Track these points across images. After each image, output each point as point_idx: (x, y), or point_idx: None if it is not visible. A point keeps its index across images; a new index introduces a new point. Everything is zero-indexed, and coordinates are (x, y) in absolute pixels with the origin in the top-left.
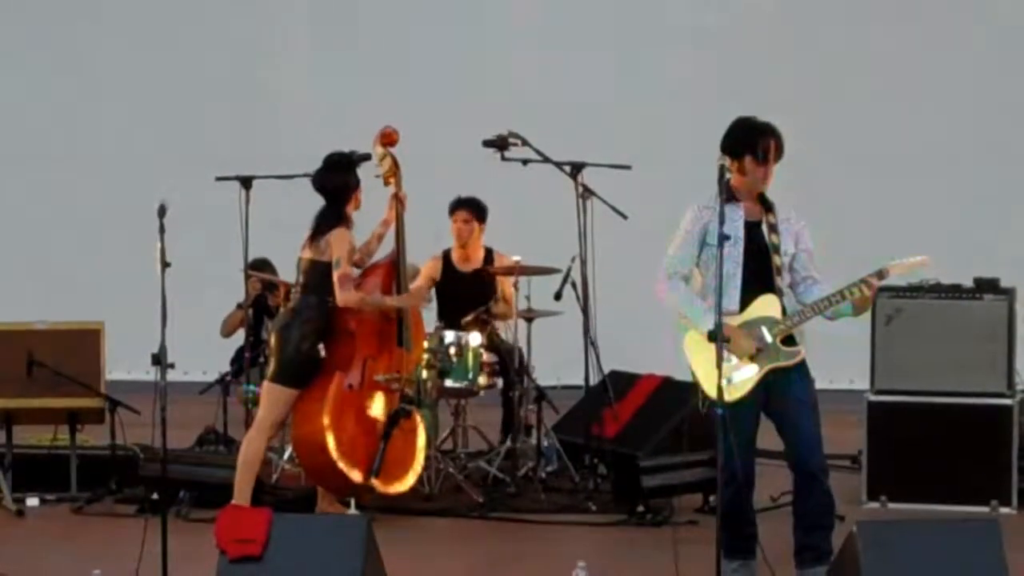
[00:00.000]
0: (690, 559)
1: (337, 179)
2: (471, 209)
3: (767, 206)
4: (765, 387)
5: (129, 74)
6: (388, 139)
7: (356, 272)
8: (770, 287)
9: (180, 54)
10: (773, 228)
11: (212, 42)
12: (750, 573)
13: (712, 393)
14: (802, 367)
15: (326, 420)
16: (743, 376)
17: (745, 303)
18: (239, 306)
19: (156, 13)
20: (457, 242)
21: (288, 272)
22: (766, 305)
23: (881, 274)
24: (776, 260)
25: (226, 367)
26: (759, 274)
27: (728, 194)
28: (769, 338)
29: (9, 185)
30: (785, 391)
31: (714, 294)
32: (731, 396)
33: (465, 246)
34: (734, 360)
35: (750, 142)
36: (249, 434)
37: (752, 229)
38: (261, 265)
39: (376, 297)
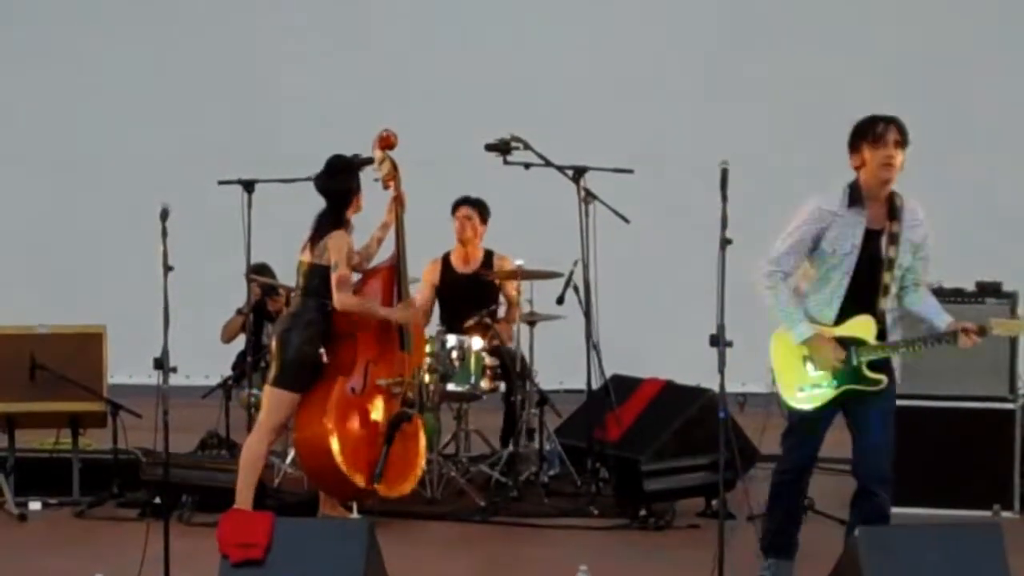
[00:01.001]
0: (691, 565)
1: (340, 183)
2: (474, 206)
3: (893, 212)
4: (845, 399)
5: (131, 77)
6: (386, 142)
7: (356, 276)
8: (872, 308)
9: (182, 56)
10: (894, 239)
11: (214, 44)
12: (781, 573)
13: (785, 396)
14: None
15: (329, 424)
16: (820, 388)
17: (843, 317)
18: (239, 312)
19: (156, 14)
20: (458, 238)
21: (289, 276)
22: (861, 326)
23: (983, 330)
24: (886, 278)
25: (228, 371)
26: (865, 288)
27: (854, 197)
28: (855, 361)
29: (10, 188)
30: (862, 399)
31: (805, 298)
32: (805, 405)
33: (466, 244)
34: (816, 370)
35: (865, 128)
36: (250, 438)
37: (871, 238)
38: (261, 270)
39: (373, 306)
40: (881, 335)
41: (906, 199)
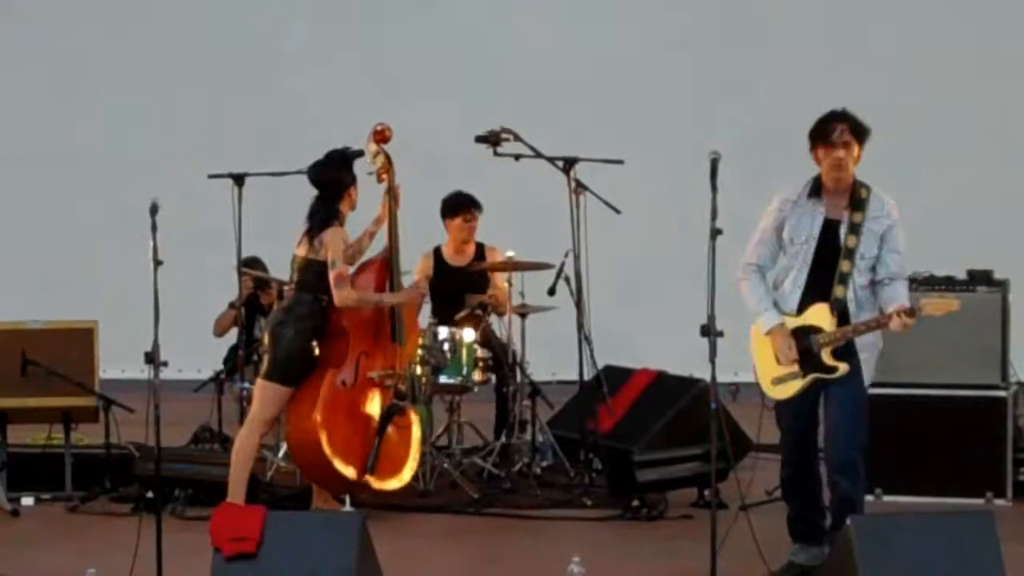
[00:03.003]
0: (685, 555)
1: (330, 173)
2: (477, 208)
3: (856, 203)
4: (821, 385)
5: (122, 73)
6: (381, 136)
7: (351, 270)
8: (828, 296)
9: (173, 52)
10: (854, 229)
11: (207, 40)
12: (807, 558)
13: (764, 387)
14: (847, 373)
15: (319, 417)
16: (791, 380)
17: (805, 306)
18: (231, 305)
19: (149, 10)
20: (461, 240)
21: (280, 269)
22: (817, 315)
23: (912, 311)
24: (844, 266)
25: (220, 365)
26: (825, 278)
27: (814, 189)
28: (815, 349)
29: (1, 184)
30: (827, 393)
31: (776, 289)
32: (780, 395)
33: (466, 244)
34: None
35: (817, 129)
36: (241, 432)
37: (830, 228)
38: (252, 263)
39: (372, 295)
40: (844, 322)
41: (875, 192)
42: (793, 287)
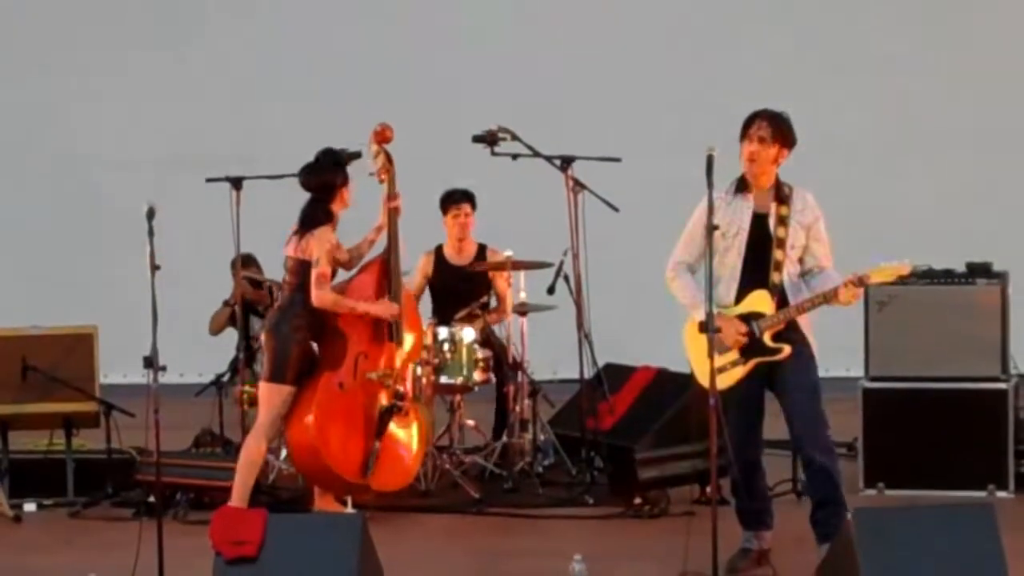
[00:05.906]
0: (687, 552)
1: (319, 178)
2: (467, 201)
3: (781, 198)
4: (767, 376)
5: (121, 77)
6: (381, 136)
7: (347, 273)
8: (766, 283)
9: (172, 54)
10: (782, 221)
11: (205, 41)
12: (759, 543)
13: (703, 381)
14: (797, 355)
15: (315, 420)
16: (731, 368)
17: (742, 296)
18: (225, 303)
19: (147, 14)
20: (457, 236)
21: (277, 270)
22: (757, 301)
23: (861, 280)
24: (777, 254)
25: (221, 368)
26: (759, 267)
27: (740, 185)
28: (757, 333)
29: (0, 189)
30: (781, 379)
31: (715, 287)
32: (723, 384)
33: (463, 240)
34: (722, 350)
35: (742, 126)
36: (248, 439)
37: (759, 221)
38: (247, 261)
39: (348, 300)
40: (782, 307)
41: (796, 188)
42: (730, 280)
